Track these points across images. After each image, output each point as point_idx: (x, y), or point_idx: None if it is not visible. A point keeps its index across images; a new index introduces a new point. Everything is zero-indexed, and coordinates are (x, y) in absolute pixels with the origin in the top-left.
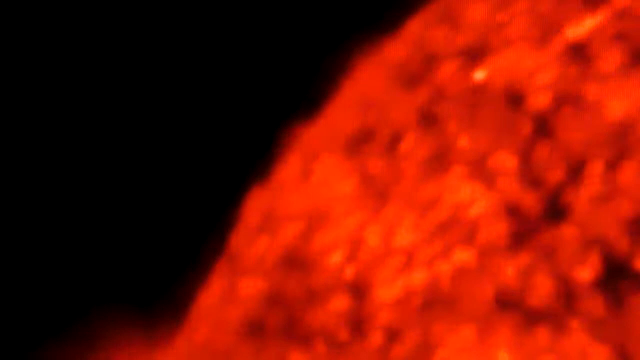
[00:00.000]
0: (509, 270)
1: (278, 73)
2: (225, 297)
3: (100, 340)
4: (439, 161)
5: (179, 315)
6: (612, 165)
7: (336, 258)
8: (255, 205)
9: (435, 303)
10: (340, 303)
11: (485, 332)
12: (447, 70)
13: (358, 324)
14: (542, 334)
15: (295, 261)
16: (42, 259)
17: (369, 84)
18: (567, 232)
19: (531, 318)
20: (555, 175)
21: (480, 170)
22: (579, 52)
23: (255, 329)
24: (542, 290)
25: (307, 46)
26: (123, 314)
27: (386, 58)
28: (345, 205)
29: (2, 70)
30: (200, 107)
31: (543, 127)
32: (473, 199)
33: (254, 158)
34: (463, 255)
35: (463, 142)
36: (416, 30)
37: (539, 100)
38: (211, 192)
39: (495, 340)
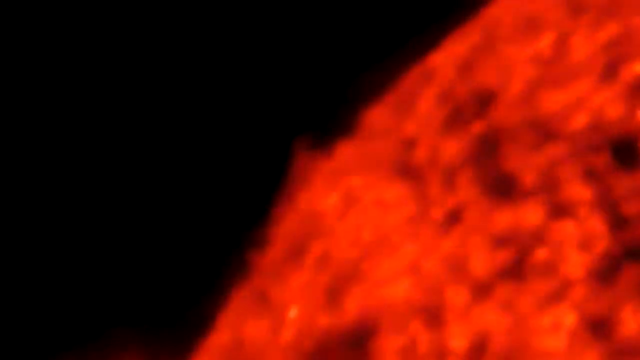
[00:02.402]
0: (593, 305)
1: (309, 86)
2: (271, 325)
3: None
4: (505, 194)
5: (195, 338)
6: None
7: (402, 287)
8: (287, 227)
9: (514, 337)
10: (410, 335)
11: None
12: (505, 102)
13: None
14: None
15: (353, 290)
16: (55, 275)
17: (411, 107)
18: None
19: (621, 353)
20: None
21: (555, 203)
22: None
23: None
24: (630, 326)
25: (340, 62)
26: (134, 336)
27: (428, 81)
28: (404, 232)
29: (2, 70)
30: (221, 122)
31: (621, 159)
32: (549, 231)
33: (275, 177)
34: (542, 286)
35: (531, 174)
36: (460, 52)
37: (615, 132)
38: (231, 212)
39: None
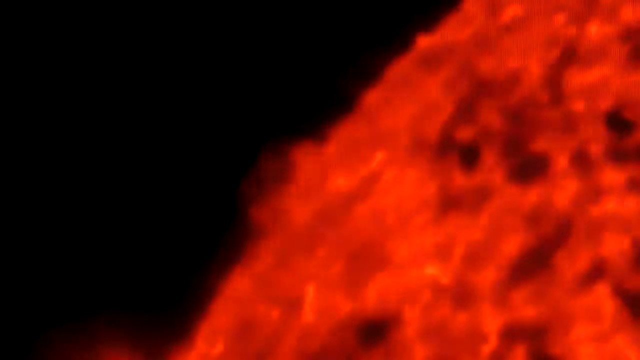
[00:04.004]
0: (630, 286)
1: (310, 66)
2: (284, 310)
3: (98, 344)
4: (536, 175)
5: (189, 323)
6: None
7: (429, 270)
8: (294, 209)
9: (550, 320)
10: (439, 319)
11: (606, 340)
12: (527, 82)
13: (469, 340)
14: None
15: (374, 274)
16: (44, 259)
17: (418, 88)
18: None
19: None
20: None
21: (588, 185)
22: None
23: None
24: None
25: (340, 44)
26: (124, 321)
27: (434, 61)
28: (427, 213)
29: (2, 70)
30: (217, 107)
31: None
32: (583, 213)
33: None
34: (578, 268)
35: (562, 156)
36: (468, 31)
37: None
38: (228, 189)
39: (619, 340)
